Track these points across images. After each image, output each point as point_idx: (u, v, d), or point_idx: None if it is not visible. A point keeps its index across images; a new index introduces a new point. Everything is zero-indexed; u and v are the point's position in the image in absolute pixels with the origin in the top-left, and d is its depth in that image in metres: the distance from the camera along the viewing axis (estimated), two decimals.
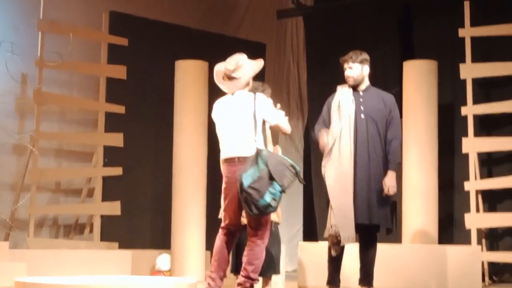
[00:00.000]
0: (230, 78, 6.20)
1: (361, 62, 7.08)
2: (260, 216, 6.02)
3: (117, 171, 10.79)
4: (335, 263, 7.06)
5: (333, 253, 6.97)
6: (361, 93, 7.07)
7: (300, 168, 6.14)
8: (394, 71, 11.04)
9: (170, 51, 10.98)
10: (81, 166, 10.90)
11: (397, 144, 7.03)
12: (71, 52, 10.37)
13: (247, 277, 6.08)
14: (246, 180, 5.92)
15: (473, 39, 10.14)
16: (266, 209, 5.91)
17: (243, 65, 6.21)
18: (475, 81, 10.16)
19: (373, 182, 6.89)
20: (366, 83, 7.14)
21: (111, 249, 10.37)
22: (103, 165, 10.74)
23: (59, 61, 10.22)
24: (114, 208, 10.66)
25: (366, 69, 7.11)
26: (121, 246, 10.54)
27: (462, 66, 10.11)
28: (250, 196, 5.89)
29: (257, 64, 6.30)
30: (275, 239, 6.74)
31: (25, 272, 8.33)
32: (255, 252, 6.10)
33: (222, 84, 6.27)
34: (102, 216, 10.66)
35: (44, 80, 10.26)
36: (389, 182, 6.88)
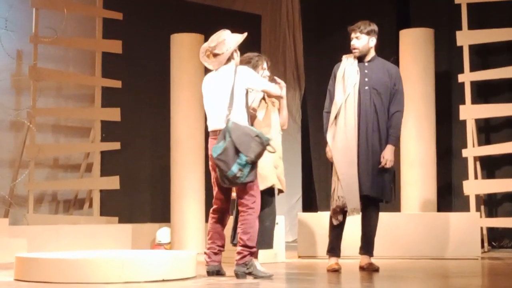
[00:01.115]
0: (214, 55, 6.28)
1: (368, 33, 7.04)
2: (244, 186, 6.12)
3: (115, 145, 10.79)
4: (335, 232, 7.09)
5: (335, 222, 7.01)
6: (366, 64, 7.04)
7: (269, 137, 6.18)
8: (391, 40, 11.01)
9: (165, 25, 10.95)
10: (79, 142, 10.90)
11: (399, 118, 7.03)
12: (66, 28, 10.35)
13: (244, 245, 6.16)
14: (215, 152, 6.07)
15: (469, 6, 10.10)
16: (235, 180, 6.03)
17: (225, 40, 6.26)
18: (472, 49, 10.14)
19: (372, 154, 6.90)
20: (371, 54, 7.10)
21: (111, 223, 10.40)
22: (100, 140, 10.74)
23: (54, 37, 10.19)
24: (113, 182, 10.68)
25: (372, 41, 7.07)
26: (120, 221, 10.56)
27: (458, 34, 10.08)
28: (219, 167, 6.06)
29: (241, 37, 6.32)
30: (271, 213, 6.71)
31: (25, 248, 8.36)
32: (248, 221, 6.17)
33: (206, 62, 6.37)
34: (101, 191, 10.68)
35: (39, 56, 10.23)
36: (387, 156, 6.90)
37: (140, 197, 11.14)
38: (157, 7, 11.38)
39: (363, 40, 7.03)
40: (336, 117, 6.97)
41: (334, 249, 7.12)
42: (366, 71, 7.00)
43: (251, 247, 6.18)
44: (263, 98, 6.71)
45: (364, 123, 6.91)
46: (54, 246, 8.73)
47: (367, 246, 7.11)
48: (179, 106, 10.11)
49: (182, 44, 10.18)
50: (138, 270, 5.81)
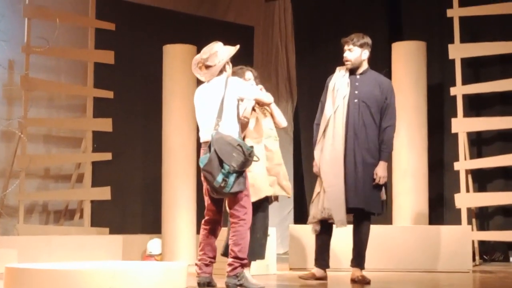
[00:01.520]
0: (206, 66, 6.32)
1: (361, 45, 7.07)
2: (235, 197, 6.15)
3: (107, 156, 10.77)
4: (318, 243, 7.15)
5: (313, 232, 7.05)
6: (357, 76, 7.07)
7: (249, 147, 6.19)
8: (383, 52, 11.02)
9: (157, 36, 10.94)
10: (70, 152, 10.87)
11: (390, 133, 7.04)
12: (58, 38, 10.32)
13: (235, 257, 6.16)
14: (202, 163, 6.13)
15: (462, 19, 10.13)
16: (222, 190, 6.06)
17: (218, 52, 6.30)
18: (464, 62, 10.17)
19: (361, 166, 6.90)
20: (364, 66, 7.12)
21: (101, 234, 10.36)
22: (92, 150, 10.72)
23: (46, 47, 10.17)
24: (104, 193, 10.65)
25: (365, 54, 7.09)
26: (111, 231, 10.52)
27: (450, 47, 10.10)
28: (206, 178, 6.12)
29: (233, 49, 6.36)
30: (263, 225, 6.71)
31: (15, 259, 8.32)
32: (239, 232, 6.18)
33: (198, 74, 6.40)
34: (92, 202, 10.64)
35: (31, 66, 10.21)
36: (380, 173, 6.93)
37: (131, 208, 11.11)
38: (150, 18, 11.38)
39: (355, 52, 7.05)
40: (325, 129, 6.99)
41: (317, 260, 7.15)
42: (357, 83, 7.01)
43: (242, 259, 6.17)
44: (253, 108, 6.72)
45: (352, 135, 6.93)
46: (44, 257, 8.69)
47: (358, 259, 7.11)
48: (171, 117, 10.09)
49: (174, 55, 10.18)
50: (129, 281, 5.79)
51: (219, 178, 6.02)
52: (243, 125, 6.54)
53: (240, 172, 6.09)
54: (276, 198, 6.84)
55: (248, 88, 6.41)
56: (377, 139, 7.00)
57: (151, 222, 10.87)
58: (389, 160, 7.11)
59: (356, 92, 6.99)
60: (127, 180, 11.08)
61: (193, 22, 11.73)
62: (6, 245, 8.73)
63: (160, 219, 10.11)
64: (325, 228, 7.11)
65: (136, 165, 11.21)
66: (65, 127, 10.81)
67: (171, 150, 10.02)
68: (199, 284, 6.32)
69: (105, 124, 10.79)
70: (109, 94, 10.85)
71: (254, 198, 6.44)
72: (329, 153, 6.93)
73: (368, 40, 7.11)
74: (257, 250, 6.64)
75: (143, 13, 11.34)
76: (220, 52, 6.29)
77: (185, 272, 6.27)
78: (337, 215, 6.85)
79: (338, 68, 7.20)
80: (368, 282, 6.91)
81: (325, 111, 7.04)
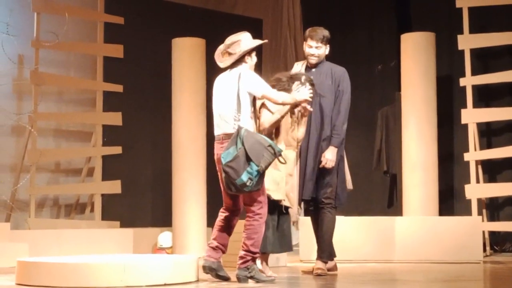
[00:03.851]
0: (228, 53, 6.24)
1: (327, 42, 7.10)
2: (250, 193, 6.08)
3: (117, 150, 10.79)
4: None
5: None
6: (313, 70, 7.06)
7: (280, 148, 6.13)
8: (392, 44, 11.03)
9: (166, 29, 10.95)
10: (80, 146, 10.90)
11: (342, 118, 6.99)
12: (67, 32, 10.34)
13: (247, 251, 6.15)
14: (225, 159, 5.99)
15: (470, 10, 10.10)
16: (243, 188, 5.97)
17: (241, 41, 6.23)
18: (473, 53, 10.15)
19: (313, 157, 6.89)
20: (323, 60, 7.14)
21: (112, 228, 10.39)
22: (102, 144, 10.74)
23: (55, 41, 10.19)
24: (114, 187, 10.67)
25: (327, 49, 7.13)
26: (122, 225, 10.55)
27: (460, 37, 10.08)
28: (228, 174, 5.98)
29: (258, 42, 6.31)
30: (288, 217, 6.76)
31: (27, 253, 8.37)
32: (253, 226, 6.15)
33: (218, 60, 6.31)
34: (102, 195, 10.68)
35: (41, 61, 10.24)
36: (328, 155, 6.89)
37: (142, 201, 11.14)
38: (158, 12, 11.38)
39: (322, 49, 7.07)
40: None
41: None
42: (311, 76, 6.98)
43: (254, 253, 6.17)
44: (291, 114, 6.67)
45: (314, 128, 6.93)
46: (55, 251, 8.73)
47: (319, 251, 7.07)
48: (181, 110, 10.10)
49: (183, 48, 10.19)
50: (140, 274, 5.81)
51: (244, 176, 5.92)
52: (275, 127, 6.56)
53: (264, 172, 6.04)
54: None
55: (257, 83, 6.23)
56: (319, 131, 7.00)
57: (161, 215, 10.90)
58: (341, 147, 7.01)
59: None
60: (137, 174, 11.11)
61: (202, 15, 11.74)
62: (18, 239, 8.78)
63: (170, 212, 10.13)
64: (312, 219, 7.15)
65: (146, 158, 11.23)
66: (75, 121, 10.83)
67: (180, 143, 10.03)
68: (203, 268, 6.26)
69: (115, 118, 10.81)
70: (118, 88, 10.86)
71: (275, 197, 6.51)
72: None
73: (329, 35, 7.14)
74: (285, 242, 6.75)
75: (151, 6, 11.35)
76: (243, 42, 6.22)
77: (196, 265, 6.28)
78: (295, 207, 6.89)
79: (296, 63, 7.25)
80: (319, 274, 6.85)
81: None
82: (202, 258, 6.38)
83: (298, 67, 7.19)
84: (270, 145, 6.00)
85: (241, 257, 6.18)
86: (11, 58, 10.01)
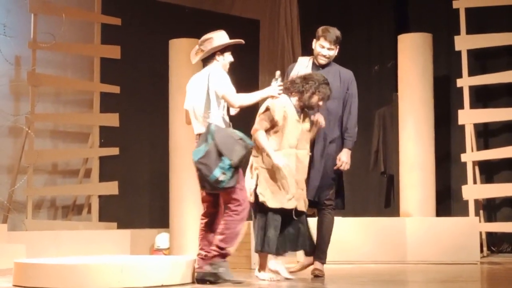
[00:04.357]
0: (202, 51, 6.21)
1: (339, 43, 7.06)
2: (226, 191, 5.98)
3: (114, 151, 10.78)
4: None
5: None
6: (320, 69, 7.01)
7: (251, 142, 6.03)
8: (389, 44, 11.03)
9: (163, 30, 10.93)
10: (78, 147, 10.89)
11: (352, 121, 6.99)
12: (64, 33, 10.34)
13: (216, 245, 6.04)
14: (195, 156, 5.95)
15: (467, 11, 10.12)
16: (218, 184, 5.89)
17: (213, 39, 6.18)
18: (470, 53, 10.16)
19: (317, 158, 6.87)
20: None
21: (109, 229, 10.38)
22: (99, 145, 10.73)
23: (52, 42, 10.19)
24: (111, 188, 10.66)
25: (337, 50, 7.09)
26: (119, 226, 10.55)
27: (457, 38, 10.09)
28: (200, 171, 5.93)
29: (228, 40, 6.21)
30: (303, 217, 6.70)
31: (24, 254, 8.36)
32: (226, 222, 6.04)
33: (191, 58, 6.30)
34: (100, 196, 10.67)
35: (38, 62, 10.23)
36: (343, 158, 6.90)
37: (139, 202, 11.13)
38: (156, 13, 11.38)
39: (335, 51, 7.03)
40: None
41: None
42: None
43: (222, 248, 6.05)
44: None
45: (321, 129, 6.90)
46: (53, 252, 8.73)
47: (318, 252, 7.03)
48: (178, 111, 10.07)
49: (180, 49, 10.17)
50: (137, 276, 5.81)
51: (217, 172, 5.86)
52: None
53: (238, 167, 5.96)
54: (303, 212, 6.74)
55: (221, 83, 6.09)
56: (340, 131, 6.98)
57: (158, 216, 10.89)
58: (353, 149, 7.05)
59: None
60: (135, 175, 11.10)
61: (199, 16, 11.72)
62: (15, 241, 8.77)
63: (167, 213, 10.12)
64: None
65: (143, 159, 11.23)
66: (72, 122, 10.82)
67: (178, 145, 10.02)
68: (197, 281, 6.17)
69: (112, 119, 10.80)
70: (115, 89, 10.86)
71: (274, 205, 6.41)
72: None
73: (341, 36, 7.11)
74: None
75: (149, 7, 11.34)
76: (215, 39, 6.17)
77: (193, 266, 6.27)
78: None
79: (300, 58, 7.16)
80: (318, 275, 6.87)
81: None
82: (195, 270, 6.25)
83: (304, 62, 7.07)
84: (241, 138, 5.94)
85: (209, 251, 6.09)
86: (8, 59, 10.01)
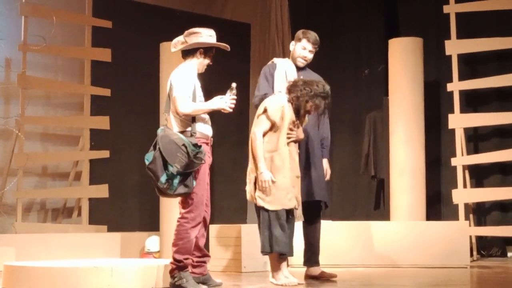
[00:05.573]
0: (186, 42, 6.09)
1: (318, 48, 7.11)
2: (185, 197, 5.83)
3: (104, 154, 10.76)
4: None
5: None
6: (300, 71, 7.03)
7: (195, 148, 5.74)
8: (380, 49, 11.05)
9: (154, 33, 10.93)
10: (68, 150, 10.86)
11: (328, 131, 7.09)
12: (55, 36, 10.31)
13: (172, 258, 5.92)
14: (146, 160, 5.81)
15: (458, 16, 10.15)
16: (166, 190, 5.72)
17: (201, 33, 6.04)
18: (461, 58, 10.19)
19: (306, 159, 6.87)
20: None
21: (99, 232, 10.36)
22: (89, 148, 10.72)
23: (43, 45, 10.16)
24: (102, 191, 10.64)
25: None
26: (109, 229, 10.52)
27: (447, 43, 10.12)
28: (150, 177, 5.78)
29: (211, 41, 6.07)
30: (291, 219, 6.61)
31: (13, 257, 8.33)
32: (177, 232, 5.91)
33: (173, 46, 6.20)
34: (90, 199, 10.64)
35: (28, 64, 10.20)
36: (329, 170, 7.04)
37: (129, 205, 11.11)
38: (147, 16, 11.37)
39: (312, 54, 7.07)
40: None
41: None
42: (301, 77, 6.93)
43: (178, 261, 5.88)
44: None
45: (311, 128, 6.91)
46: (42, 255, 8.70)
47: (315, 256, 7.08)
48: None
49: (171, 53, 10.11)
50: (127, 279, 5.80)
51: (163, 178, 5.68)
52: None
53: (186, 174, 5.73)
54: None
55: (177, 84, 5.94)
56: (318, 136, 7.01)
57: (149, 219, 10.88)
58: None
59: None
60: (125, 178, 11.08)
61: (190, 19, 11.69)
62: (4, 243, 8.74)
63: (158, 216, 10.12)
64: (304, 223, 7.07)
65: (134, 162, 11.18)
66: (62, 125, 10.80)
67: None
68: None
69: (103, 122, 10.78)
70: (106, 92, 10.84)
71: (274, 207, 6.30)
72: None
73: None
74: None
75: (140, 10, 11.33)
76: (203, 36, 6.02)
77: None
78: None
79: (277, 59, 7.14)
80: (332, 276, 6.93)
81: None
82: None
83: (283, 63, 7.04)
84: (183, 144, 5.70)
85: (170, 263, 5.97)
86: None
